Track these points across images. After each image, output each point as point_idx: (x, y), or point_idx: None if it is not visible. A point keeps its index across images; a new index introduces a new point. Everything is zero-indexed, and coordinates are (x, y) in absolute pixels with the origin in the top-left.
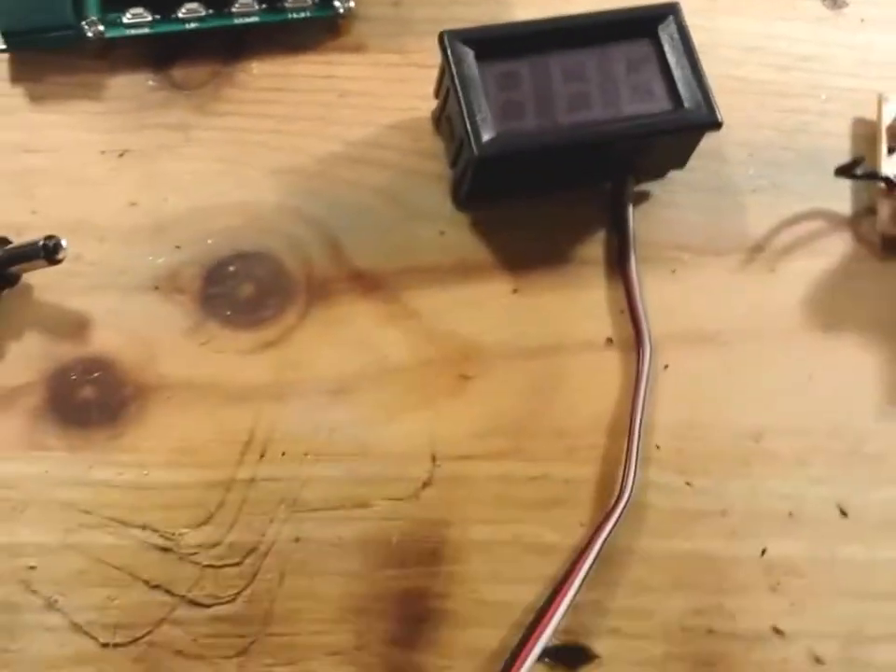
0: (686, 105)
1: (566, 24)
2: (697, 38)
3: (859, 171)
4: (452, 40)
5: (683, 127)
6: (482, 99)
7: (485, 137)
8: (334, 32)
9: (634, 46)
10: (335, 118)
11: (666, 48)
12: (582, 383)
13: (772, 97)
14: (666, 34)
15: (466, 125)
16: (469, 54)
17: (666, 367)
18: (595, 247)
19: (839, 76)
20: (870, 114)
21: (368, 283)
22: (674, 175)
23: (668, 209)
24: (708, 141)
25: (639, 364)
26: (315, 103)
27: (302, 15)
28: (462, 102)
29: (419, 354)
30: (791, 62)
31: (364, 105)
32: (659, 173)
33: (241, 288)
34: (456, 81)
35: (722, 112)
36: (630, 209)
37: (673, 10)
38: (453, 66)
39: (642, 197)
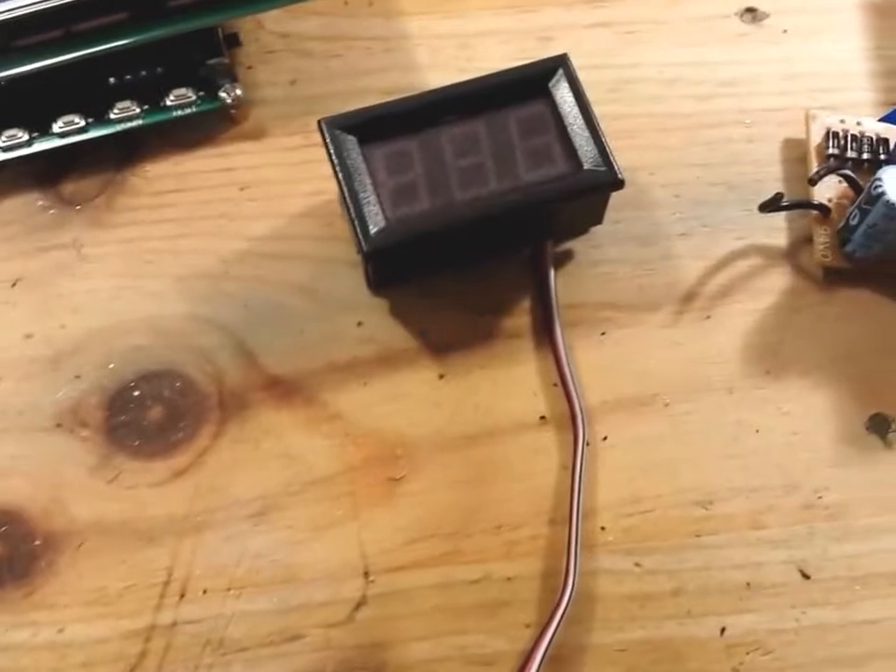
0: (585, 166)
1: (452, 94)
2: (615, 77)
3: (785, 202)
4: (331, 129)
5: (584, 190)
6: (369, 187)
7: (374, 230)
8: (229, 121)
9: (526, 107)
10: (238, 213)
11: (559, 105)
12: (518, 468)
13: (696, 130)
14: (557, 90)
15: (353, 219)
16: (352, 141)
17: (605, 438)
18: (520, 318)
19: (764, 96)
20: (799, 133)
21: (285, 388)
22: (598, 228)
23: (594, 266)
24: (632, 187)
25: (575, 441)
26: (215, 200)
27: (188, 111)
28: (347, 194)
29: (344, 459)
30: (713, 88)
31: (268, 195)
32: (579, 230)
33: (148, 413)
34: (339, 173)
35: (645, 153)
36: (552, 274)
37: (561, 63)
38: (334, 157)
39: (566, 256)
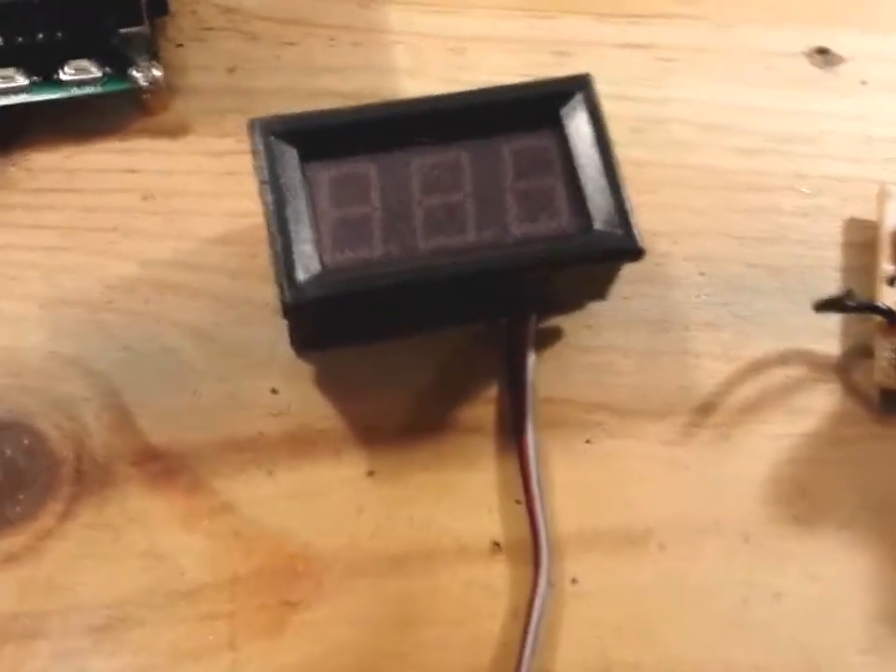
0: (595, 224)
1: (431, 108)
2: (642, 113)
3: (851, 302)
4: (265, 134)
5: (590, 257)
6: (304, 217)
7: (302, 276)
8: (141, 109)
9: (527, 138)
10: (136, 228)
11: (571, 140)
12: (455, 609)
13: (736, 192)
14: (571, 120)
15: (277, 257)
16: (291, 154)
17: (575, 581)
18: (483, 409)
19: (829, 160)
20: (868, 213)
21: (164, 465)
22: (599, 304)
23: (587, 353)
24: (647, 256)
25: (535, 580)
26: (109, 208)
27: (88, 90)
28: (275, 223)
29: (228, 568)
30: (764, 142)
31: (178, 209)
32: (573, 305)
33: None
34: (268, 194)
35: (669, 213)
36: (530, 357)
37: (581, 86)
38: (265, 172)
39: (552, 336)
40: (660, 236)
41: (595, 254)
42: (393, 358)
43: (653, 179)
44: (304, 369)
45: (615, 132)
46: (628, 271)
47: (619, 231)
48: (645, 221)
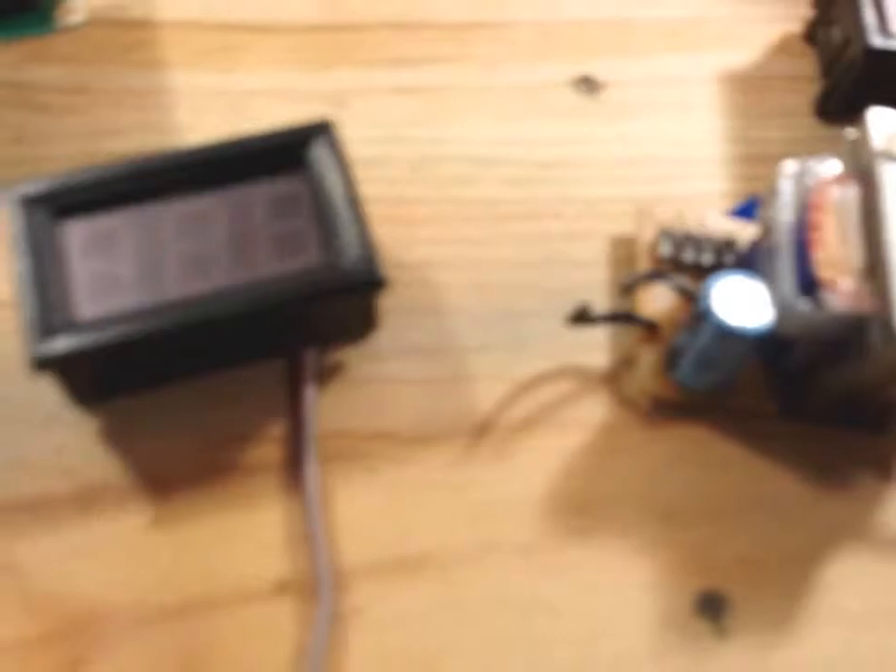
0: (340, 259)
1: (183, 160)
2: (419, 153)
3: (601, 314)
4: (15, 199)
5: (336, 291)
6: (57, 276)
7: (52, 332)
8: None
9: (276, 182)
10: None
11: (317, 181)
12: (239, 656)
13: (509, 222)
14: (316, 163)
15: (27, 316)
16: (43, 214)
17: (358, 612)
18: (267, 448)
19: (593, 182)
20: (630, 230)
21: None
22: (381, 336)
23: (369, 384)
24: (426, 287)
25: (318, 616)
26: None
27: None
28: (25, 285)
29: (13, 631)
30: (532, 171)
31: None
32: (351, 337)
33: None
34: (19, 257)
35: (446, 246)
36: (309, 392)
37: (322, 131)
38: (16, 235)
39: (335, 370)
40: (436, 267)
41: (340, 287)
42: (180, 403)
43: (432, 214)
44: (90, 423)
45: (394, 171)
46: (409, 302)
47: (362, 266)
48: (422, 254)
